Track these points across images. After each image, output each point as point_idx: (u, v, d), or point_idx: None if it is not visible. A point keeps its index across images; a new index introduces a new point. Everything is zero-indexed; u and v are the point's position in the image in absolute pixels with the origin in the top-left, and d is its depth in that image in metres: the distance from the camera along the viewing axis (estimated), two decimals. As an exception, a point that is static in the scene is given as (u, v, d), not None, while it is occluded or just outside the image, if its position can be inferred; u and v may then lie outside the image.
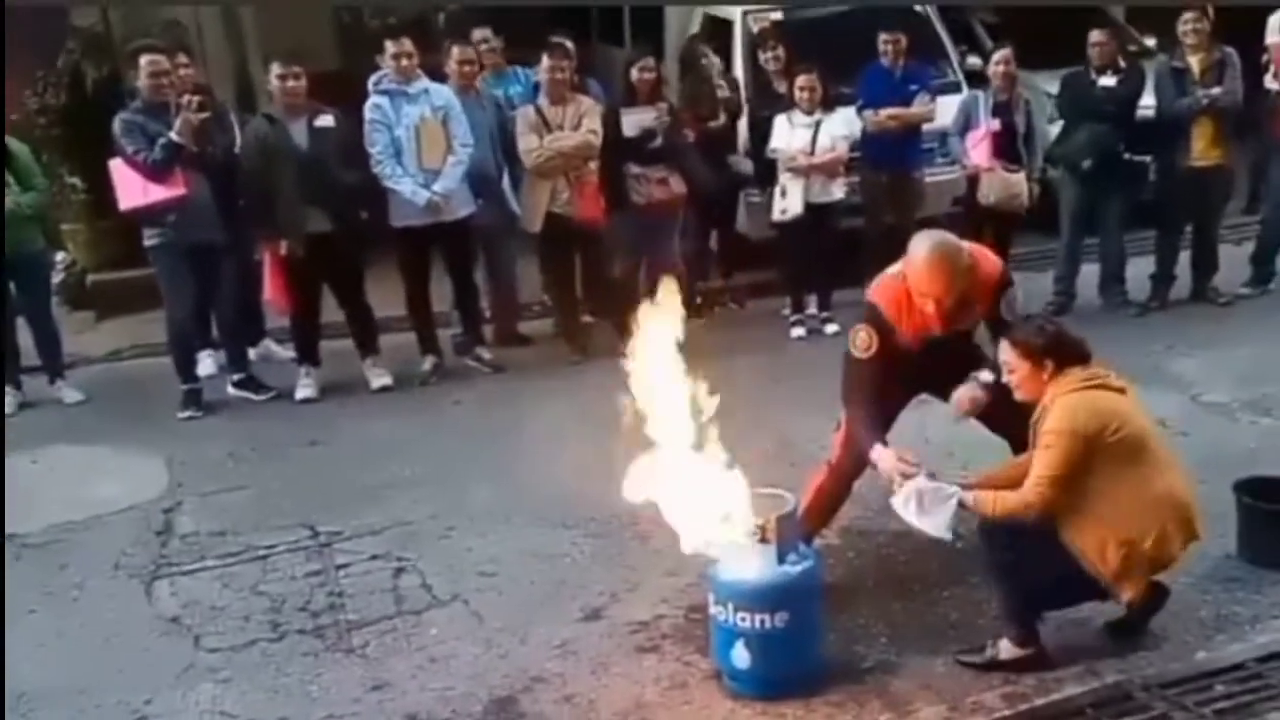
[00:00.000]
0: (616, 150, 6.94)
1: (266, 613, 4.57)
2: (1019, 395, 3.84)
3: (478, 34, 7.35)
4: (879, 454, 4.07)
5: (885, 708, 3.76)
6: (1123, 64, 7.26)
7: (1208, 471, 4.60)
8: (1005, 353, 3.85)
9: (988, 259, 4.22)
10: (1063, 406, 3.69)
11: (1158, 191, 7.49)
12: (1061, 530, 3.74)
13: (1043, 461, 3.69)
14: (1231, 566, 4.41)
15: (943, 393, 4.28)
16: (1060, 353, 3.80)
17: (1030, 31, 8.50)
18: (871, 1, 8.34)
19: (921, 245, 4.03)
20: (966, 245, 4.15)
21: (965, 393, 4.06)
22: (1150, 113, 7.25)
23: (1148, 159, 7.40)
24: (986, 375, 4.07)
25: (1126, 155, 7.17)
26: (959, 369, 4.19)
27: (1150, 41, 9.18)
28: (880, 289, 4.19)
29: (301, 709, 3.96)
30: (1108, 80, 7.16)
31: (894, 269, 4.19)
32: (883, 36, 7.47)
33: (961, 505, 3.87)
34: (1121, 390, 3.80)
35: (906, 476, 3.95)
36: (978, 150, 7.17)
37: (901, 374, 4.26)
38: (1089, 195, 7.27)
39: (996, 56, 7.30)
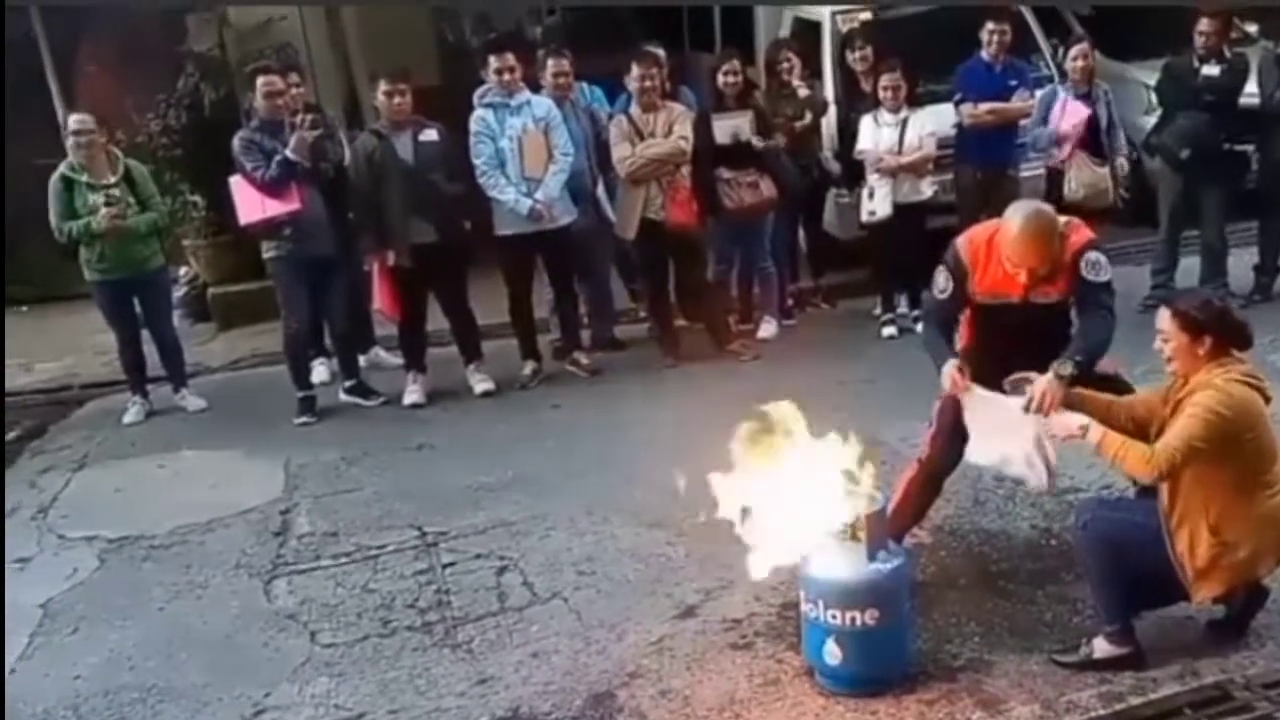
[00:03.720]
0: (708, 155, 7.04)
1: (377, 610, 4.75)
2: (1170, 368, 3.75)
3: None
4: (945, 371, 4.20)
5: (978, 706, 3.77)
6: (1228, 54, 7.09)
7: (1312, 468, 4.51)
8: (1163, 321, 3.74)
9: (1079, 229, 4.20)
10: (1222, 389, 3.60)
11: (1260, 181, 7.30)
12: (1164, 507, 3.70)
13: (1184, 430, 3.60)
14: (1339, 566, 4.32)
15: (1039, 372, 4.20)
16: (1222, 331, 3.68)
17: (1125, 22, 8.33)
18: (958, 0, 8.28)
19: (1017, 215, 4.08)
20: (1062, 217, 4.18)
21: (1039, 387, 3.95)
22: (1254, 101, 7.07)
23: (1249, 148, 7.21)
24: (1066, 367, 3.97)
25: (1227, 145, 7.01)
26: (1048, 346, 4.13)
27: (1252, 28, 8.92)
28: (968, 234, 4.33)
29: (410, 702, 4.12)
30: (1211, 69, 6.99)
31: (990, 222, 4.27)
32: (989, 25, 7.38)
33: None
34: (1269, 400, 3.73)
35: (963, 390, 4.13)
36: (1062, 151, 7.07)
37: (986, 339, 4.30)
38: (1188, 186, 7.13)
39: (1074, 50, 7.23)
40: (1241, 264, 7.31)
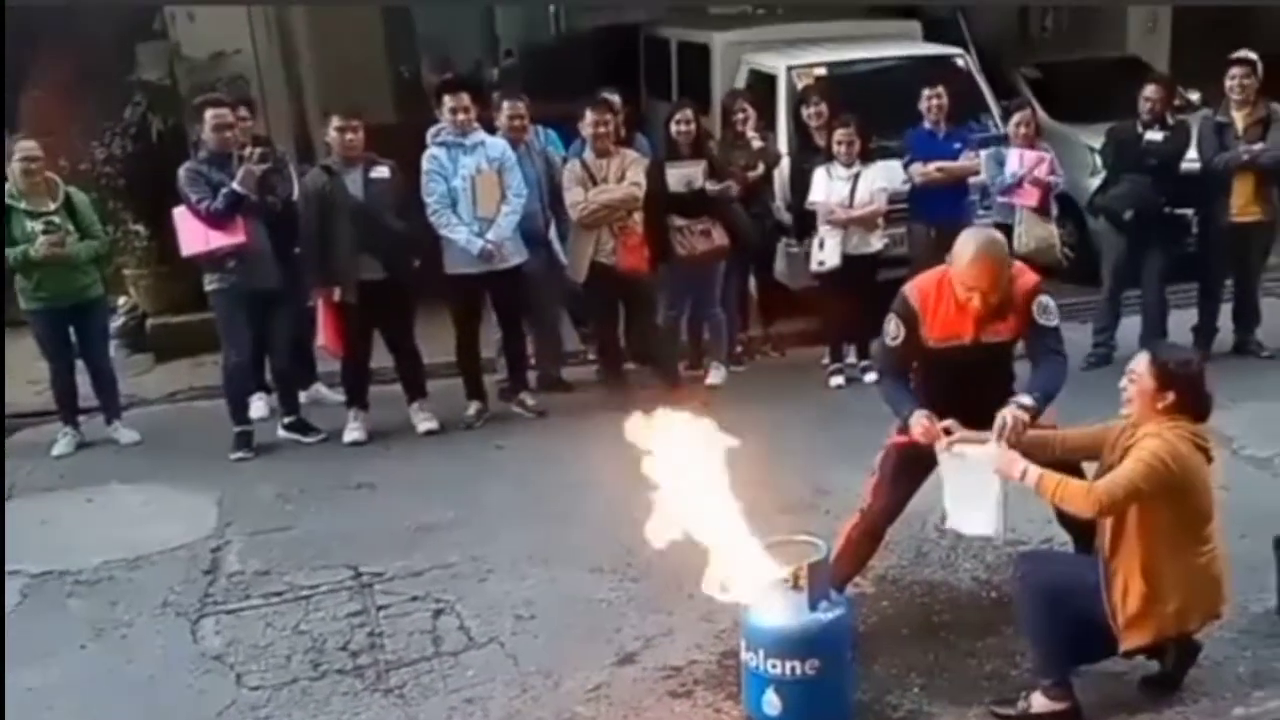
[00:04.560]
0: (661, 202, 7.06)
1: (308, 652, 4.65)
2: (1126, 410, 3.82)
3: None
4: (915, 420, 4.16)
5: (917, 758, 3.77)
6: (1170, 120, 7.25)
7: (1248, 526, 4.58)
8: (1140, 364, 3.80)
9: (1026, 272, 4.31)
10: (1170, 442, 3.67)
11: (1199, 245, 7.48)
12: (1104, 553, 3.76)
13: (1127, 471, 3.66)
14: (1271, 622, 4.37)
15: (986, 418, 4.20)
16: (1187, 394, 3.74)
17: (1072, 86, 8.50)
18: None
19: (969, 241, 4.16)
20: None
21: (1006, 413, 3.99)
22: (1195, 166, 7.25)
23: (1190, 212, 7.37)
24: (1027, 399, 4.05)
25: (1169, 209, 7.17)
26: (996, 390, 4.20)
27: (1195, 96, 9.18)
28: (915, 281, 4.38)
29: (339, 747, 4.04)
30: (1154, 135, 7.16)
31: (937, 269, 4.33)
32: (925, 92, 7.54)
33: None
34: (1211, 462, 3.81)
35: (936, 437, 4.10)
36: (1026, 193, 7.19)
37: (936, 385, 4.32)
38: (1130, 247, 7.27)
39: (1016, 118, 7.43)
40: (1181, 325, 7.44)
